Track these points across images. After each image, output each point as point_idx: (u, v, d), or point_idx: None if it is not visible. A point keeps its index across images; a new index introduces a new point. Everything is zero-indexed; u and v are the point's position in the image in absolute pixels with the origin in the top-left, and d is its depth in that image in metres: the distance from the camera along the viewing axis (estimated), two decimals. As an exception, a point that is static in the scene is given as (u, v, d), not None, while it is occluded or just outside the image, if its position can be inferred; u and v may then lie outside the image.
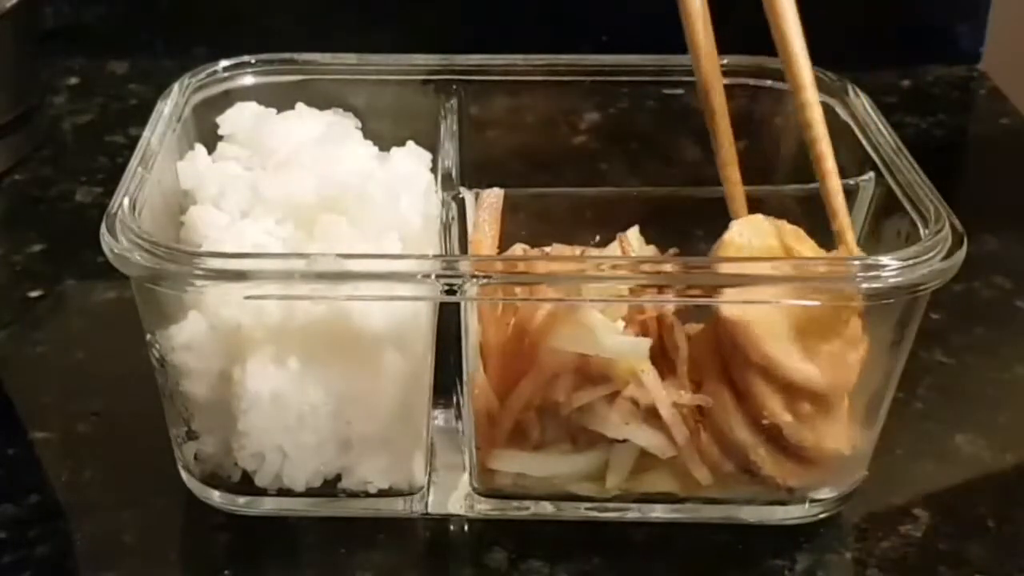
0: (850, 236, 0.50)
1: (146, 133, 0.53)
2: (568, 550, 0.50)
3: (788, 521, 0.51)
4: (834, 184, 0.51)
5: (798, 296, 0.47)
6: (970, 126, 0.86)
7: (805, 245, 0.51)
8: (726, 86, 0.54)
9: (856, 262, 0.47)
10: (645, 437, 0.49)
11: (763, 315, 0.47)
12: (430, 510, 0.51)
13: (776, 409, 0.48)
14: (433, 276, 0.45)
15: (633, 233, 0.56)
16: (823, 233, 0.55)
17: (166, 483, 0.52)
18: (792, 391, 0.48)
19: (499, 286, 0.46)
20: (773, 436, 0.48)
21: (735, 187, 0.53)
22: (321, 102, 0.57)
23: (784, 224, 0.51)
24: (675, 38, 0.53)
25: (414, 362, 0.49)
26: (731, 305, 0.47)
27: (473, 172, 0.56)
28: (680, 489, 0.50)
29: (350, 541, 0.50)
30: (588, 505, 0.51)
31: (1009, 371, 0.60)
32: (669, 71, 0.59)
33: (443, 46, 0.60)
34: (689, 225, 0.55)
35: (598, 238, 0.57)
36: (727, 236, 0.50)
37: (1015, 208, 0.73)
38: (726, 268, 0.47)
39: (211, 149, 0.55)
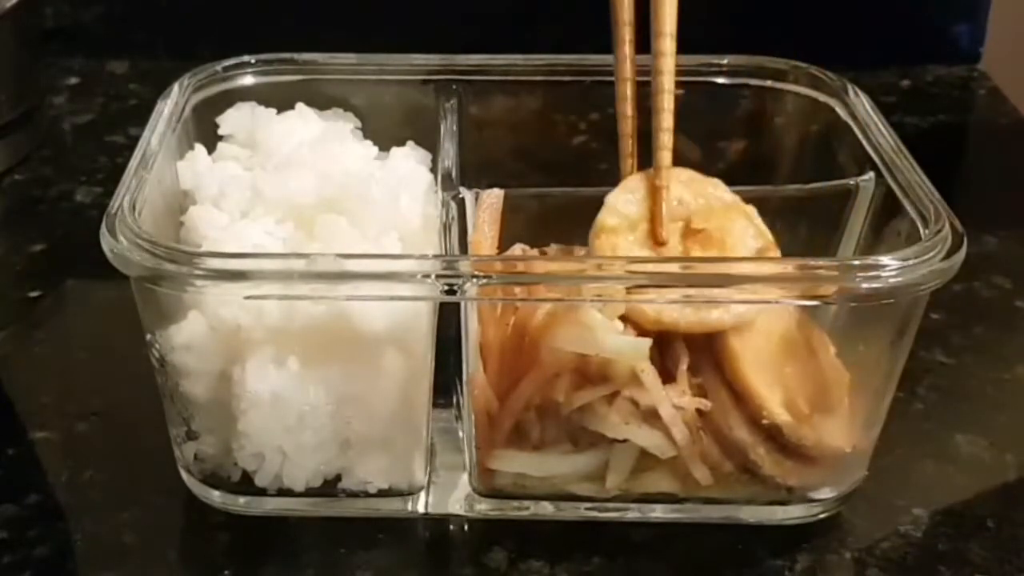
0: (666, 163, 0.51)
1: (146, 133, 0.53)
2: (568, 550, 0.50)
3: (788, 521, 0.51)
4: (666, 122, 0.52)
5: (796, 296, 0.47)
6: (970, 126, 0.86)
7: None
8: (726, 86, 0.53)
9: (856, 262, 0.47)
10: (645, 437, 0.49)
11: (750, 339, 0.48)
12: (430, 510, 0.51)
13: (775, 409, 0.48)
14: (433, 276, 0.45)
15: None
16: (823, 232, 0.55)
17: (166, 483, 0.52)
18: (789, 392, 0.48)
19: (499, 286, 0.46)
20: (772, 435, 0.48)
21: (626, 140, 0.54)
22: (321, 102, 0.57)
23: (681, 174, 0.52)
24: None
25: (414, 362, 0.49)
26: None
27: (473, 172, 0.56)
28: (680, 489, 0.50)
29: (350, 541, 0.50)
30: (588, 505, 0.51)
31: (1009, 371, 0.60)
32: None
33: (443, 46, 0.60)
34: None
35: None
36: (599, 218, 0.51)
37: (1015, 208, 0.73)
38: (724, 268, 0.47)
39: (211, 149, 0.55)
